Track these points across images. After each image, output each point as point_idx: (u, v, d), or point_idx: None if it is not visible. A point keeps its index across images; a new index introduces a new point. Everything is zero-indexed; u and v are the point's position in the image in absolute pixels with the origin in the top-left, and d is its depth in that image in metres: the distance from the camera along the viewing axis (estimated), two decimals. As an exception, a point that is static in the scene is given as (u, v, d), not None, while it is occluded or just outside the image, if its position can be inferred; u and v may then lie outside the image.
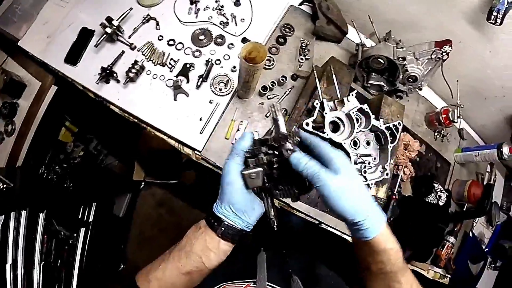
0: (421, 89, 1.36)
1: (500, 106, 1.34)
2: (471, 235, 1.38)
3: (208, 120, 1.03)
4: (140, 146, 2.19)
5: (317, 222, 1.12)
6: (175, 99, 1.04)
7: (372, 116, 0.94)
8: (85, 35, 1.08)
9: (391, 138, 0.97)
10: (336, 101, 0.95)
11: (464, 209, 1.36)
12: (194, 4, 1.15)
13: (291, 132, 0.60)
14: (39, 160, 1.36)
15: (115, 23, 1.02)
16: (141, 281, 0.54)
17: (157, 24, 1.12)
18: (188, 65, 1.08)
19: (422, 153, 1.31)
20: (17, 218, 1.12)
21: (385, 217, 0.52)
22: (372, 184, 0.93)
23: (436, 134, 1.36)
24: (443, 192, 1.24)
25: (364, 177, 0.94)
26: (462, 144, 1.42)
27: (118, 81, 1.04)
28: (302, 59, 1.17)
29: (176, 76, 1.06)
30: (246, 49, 0.81)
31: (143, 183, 2.23)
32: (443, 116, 1.26)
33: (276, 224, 0.56)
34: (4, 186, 1.08)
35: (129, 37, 1.09)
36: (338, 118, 0.92)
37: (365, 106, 0.94)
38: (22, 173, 1.18)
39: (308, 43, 1.19)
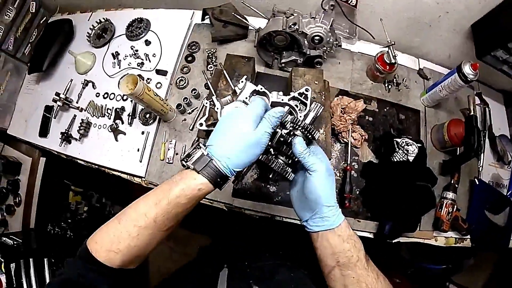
0: (353, 44, 1.25)
1: (450, 26, 1.13)
2: (477, 182, 1.12)
3: (144, 149, 1.16)
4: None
5: (269, 215, 1.08)
6: (116, 140, 1.21)
7: (276, 93, 0.91)
8: (48, 111, 1.34)
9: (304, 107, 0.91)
10: (231, 93, 0.96)
11: (457, 155, 1.13)
12: (116, 58, 1.34)
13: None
14: (48, 220, 1.64)
15: (62, 96, 1.26)
16: (90, 243, 0.51)
17: (93, 84, 1.33)
18: (118, 110, 1.26)
19: (375, 111, 1.17)
20: (27, 265, 1.36)
21: None
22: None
23: (387, 85, 1.20)
24: (411, 145, 1.07)
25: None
26: (428, 85, 1.22)
27: (76, 140, 1.24)
28: (211, 67, 1.21)
29: (114, 121, 1.24)
30: (124, 83, 0.94)
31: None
32: (379, 63, 1.13)
33: (290, 173, 0.61)
34: (15, 243, 1.39)
35: (77, 102, 1.31)
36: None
37: (259, 87, 0.91)
38: (36, 232, 1.46)
39: (214, 51, 1.23)
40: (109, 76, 1.32)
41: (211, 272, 0.71)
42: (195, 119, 1.16)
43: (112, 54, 1.34)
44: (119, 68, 1.32)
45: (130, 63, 1.31)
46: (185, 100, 1.17)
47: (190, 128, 1.16)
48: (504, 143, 1.18)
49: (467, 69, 1.02)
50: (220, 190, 0.54)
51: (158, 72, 1.26)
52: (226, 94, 1.00)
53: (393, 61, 1.10)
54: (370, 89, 1.19)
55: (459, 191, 1.10)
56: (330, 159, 1.10)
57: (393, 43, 1.09)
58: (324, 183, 0.54)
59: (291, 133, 0.60)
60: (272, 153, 0.62)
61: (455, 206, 1.08)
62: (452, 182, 1.11)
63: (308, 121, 0.66)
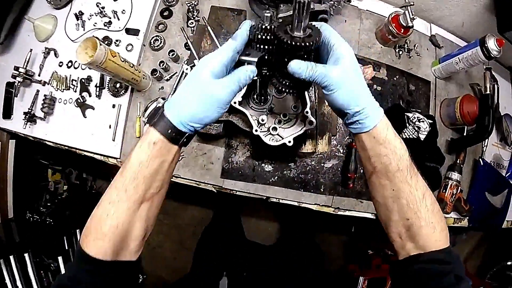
0: (361, 1, 1.07)
1: (472, -12, 1.00)
2: (481, 163, 1.06)
3: (116, 125, 1.00)
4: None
5: (265, 197, 0.94)
6: (84, 116, 1.03)
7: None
8: (9, 88, 1.10)
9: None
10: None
11: (465, 134, 1.05)
12: (80, 19, 1.09)
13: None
14: (26, 207, 1.50)
15: (21, 70, 1.04)
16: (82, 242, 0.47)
17: (55, 52, 1.10)
18: (84, 80, 1.05)
19: (384, 79, 1.03)
20: (8, 263, 1.23)
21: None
22: (290, 141, 0.71)
23: (397, 50, 1.06)
24: (423, 121, 0.95)
25: (279, 136, 0.74)
26: (440, 54, 1.10)
27: (41, 119, 1.06)
28: (192, 23, 0.99)
29: (80, 94, 1.04)
30: (81, 50, 0.76)
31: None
32: (393, 25, 0.97)
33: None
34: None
35: (39, 75, 1.10)
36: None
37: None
38: (17, 223, 1.33)
39: (195, 3, 0.99)
40: (72, 40, 1.08)
41: (211, 281, 0.68)
42: (174, 87, 0.95)
43: (75, 14, 1.09)
44: (84, 30, 1.08)
45: (96, 23, 1.07)
46: (161, 64, 0.96)
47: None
48: (509, 123, 1.12)
49: (491, 44, 0.91)
50: (185, 146, 0.49)
51: (128, 31, 1.03)
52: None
53: (410, 24, 0.94)
54: (379, 54, 1.04)
55: (463, 171, 1.03)
56: (334, 135, 0.98)
57: (412, 3, 0.93)
58: (349, 93, 0.46)
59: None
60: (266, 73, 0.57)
61: (459, 187, 1.02)
62: (458, 162, 1.03)
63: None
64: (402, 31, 0.97)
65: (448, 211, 1.02)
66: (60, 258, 1.46)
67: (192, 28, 0.99)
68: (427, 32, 1.13)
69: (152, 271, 1.97)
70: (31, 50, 1.08)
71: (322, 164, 0.95)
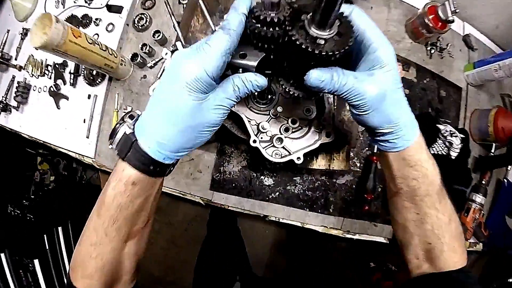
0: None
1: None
2: (506, 184, 0.94)
3: (91, 119, 0.85)
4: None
5: (262, 215, 0.78)
6: (58, 107, 0.90)
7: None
8: None
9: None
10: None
11: (492, 151, 0.92)
12: None
13: None
14: (8, 199, 1.41)
15: None
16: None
17: None
18: (58, 66, 0.90)
19: (413, 81, 0.87)
20: None
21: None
22: (299, 158, 0.55)
23: (429, 48, 0.90)
24: (456, 136, 0.81)
25: (286, 149, 0.56)
26: (473, 58, 0.95)
27: (15, 108, 0.94)
28: None
29: (54, 82, 0.89)
30: (37, 29, 0.59)
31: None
32: (430, 17, 0.80)
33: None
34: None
35: (16, 59, 0.98)
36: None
37: None
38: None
39: None
40: (51, 19, 0.91)
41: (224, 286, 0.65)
42: (158, 75, 0.76)
43: (56, -10, 0.93)
44: (63, 7, 0.95)
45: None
46: (144, 47, 0.78)
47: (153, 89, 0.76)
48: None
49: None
50: (166, 176, 0.39)
51: (110, 8, 0.87)
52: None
53: (450, 17, 0.78)
54: (408, 50, 0.88)
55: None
56: (353, 147, 0.82)
57: None
58: (386, 115, 0.37)
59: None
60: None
61: (482, 211, 0.89)
62: (483, 182, 0.90)
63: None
64: (439, 25, 0.80)
65: (468, 237, 0.90)
66: (36, 262, 1.34)
67: (185, 5, 0.79)
68: (460, 31, 0.97)
69: (142, 268, 1.93)
70: (8, 31, 0.97)
71: (334, 180, 0.79)
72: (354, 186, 0.80)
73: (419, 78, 0.86)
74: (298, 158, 0.55)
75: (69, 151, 0.88)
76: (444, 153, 0.80)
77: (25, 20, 0.98)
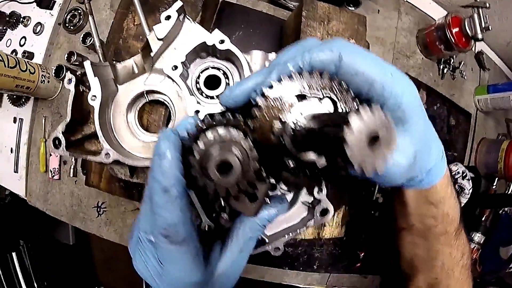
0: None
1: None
2: (504, 216, 0.87)
3: (18, 149, 0.70)
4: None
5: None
6: None
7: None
8: None
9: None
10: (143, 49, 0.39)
11: (494, 185, 0.82)
12: None
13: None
14: None
15: None
16: None
17: None
18: None
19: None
20: None
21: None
22: (279, 249, 0.39)
23: (441, 66, 0.74)
24: (468, 180, 0.68)
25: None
26: (484, 78, 0.81)
27: None
28: None
29: None
30: None
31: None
32: (454, 31, 0.63)
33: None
34: None
35: None
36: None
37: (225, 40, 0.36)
38: None
39: None
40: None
41: None
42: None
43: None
44: None
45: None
46: (71, 57, 0.59)
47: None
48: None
49: None
50: None
51: (40, 3, 0.69)
52: (134, 49, 0.42)
53: (479, 35, 0.62)
54: (419, 68, 0.72)
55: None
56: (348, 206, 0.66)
57: (487, 5, 0.60)
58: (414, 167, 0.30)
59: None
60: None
61: (480, 250, 0.82)
62: (483, 219, 0.82)
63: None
64: (463, 42, 0.64)
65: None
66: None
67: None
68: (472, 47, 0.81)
69: (107, 283, 1.81)
70: None
71: (319, 235, 0.64)
72: (344, 238, 0.66)
73: (429, 104, 0.72)
74: (277, 248, 0.40)
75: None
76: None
77: None
